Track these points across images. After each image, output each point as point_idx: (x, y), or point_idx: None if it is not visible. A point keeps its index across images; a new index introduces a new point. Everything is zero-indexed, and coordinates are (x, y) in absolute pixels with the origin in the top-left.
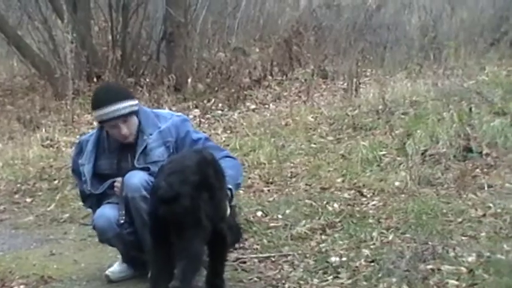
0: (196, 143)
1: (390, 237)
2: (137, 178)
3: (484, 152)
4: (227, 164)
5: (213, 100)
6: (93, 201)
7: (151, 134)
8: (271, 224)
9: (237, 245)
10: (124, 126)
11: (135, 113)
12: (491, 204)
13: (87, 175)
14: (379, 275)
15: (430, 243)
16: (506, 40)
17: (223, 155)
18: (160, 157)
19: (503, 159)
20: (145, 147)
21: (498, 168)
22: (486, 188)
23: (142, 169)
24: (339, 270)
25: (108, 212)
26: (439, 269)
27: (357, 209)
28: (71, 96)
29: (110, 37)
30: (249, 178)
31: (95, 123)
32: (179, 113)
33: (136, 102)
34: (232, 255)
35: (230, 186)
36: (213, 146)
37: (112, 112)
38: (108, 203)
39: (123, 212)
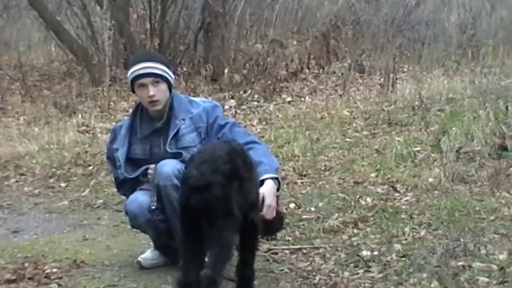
0: (223, 128)
1: (422, 233)
2: (169, 167)
3: None
4: (258, 152)
5: (249, 91)
6: (127, 187)
7: (183, 119)
8: (304, 216)
9: (278, 234)
10: (153, 88)
11: (168, 83)
12: None
13: (121, 159)
14: (410, 270)
15: (461, 240)
16: None
17: (250, 140)
18: (192, 143)
19: None
20: (177, 132)
21: None
22: None
23: (174, 154)
24: (370, 264)
25: (140, 197)
26: (470, 266)
27: (390, 204)
28: (107, 83)
29: (148, 25)
30: (283, 170)
31: (130, 110)
32: (213, 101)
33: (172, 74)
34: (264, 246)
35: (275, 175)
36: (240, 131)
37: (145, 68)
38: (141, 189)
39: (155, 198)
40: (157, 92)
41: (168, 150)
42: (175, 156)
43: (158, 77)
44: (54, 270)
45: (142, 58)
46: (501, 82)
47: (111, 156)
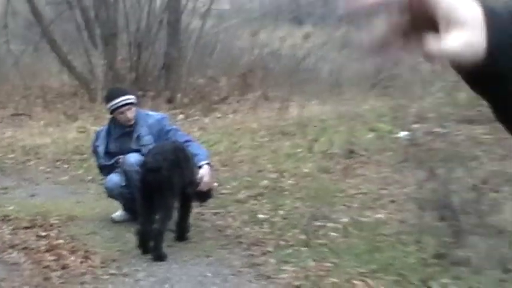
0: (169, 132)
1: (297, 204)
2: (133, 158)
3: (361, 154)
4: (194, 147)
5: (193, 110)
6: (106, 171)
7: (142, 126)
8: (223, 191)
9: (209, 200)
10: (129, 112)
11: (135, 105)
12: (362, 186)
13: (101, 153)
14: (288, 227)
15: (322, 209)
16: (380, 85)
17: (188, 139)
18: (148, 142)
19: (372, 159)
20: (139, 135)
21: (369, 164)
22: (360, 176)
23: (136, 150)
24: (263, 223)
25: (115, 178)
26: (325, 225)
27: (279, 185)
28: (99, 101)
29: (128, 64)
30: (212, 161)
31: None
32: (162, 113)
33: (134, 98)
34: (194, 210)
35: (208, 161)
36: (181, 134)
37: (121, 101)
38: (115, 172)
39: (124, 178)
40: (131, 114)
41: (133, 147)
42: (137, 150)
43: (130, 104)
44: (56, 221)
45: (117, 94)
46: (354, 109)
47: (95, 150)
